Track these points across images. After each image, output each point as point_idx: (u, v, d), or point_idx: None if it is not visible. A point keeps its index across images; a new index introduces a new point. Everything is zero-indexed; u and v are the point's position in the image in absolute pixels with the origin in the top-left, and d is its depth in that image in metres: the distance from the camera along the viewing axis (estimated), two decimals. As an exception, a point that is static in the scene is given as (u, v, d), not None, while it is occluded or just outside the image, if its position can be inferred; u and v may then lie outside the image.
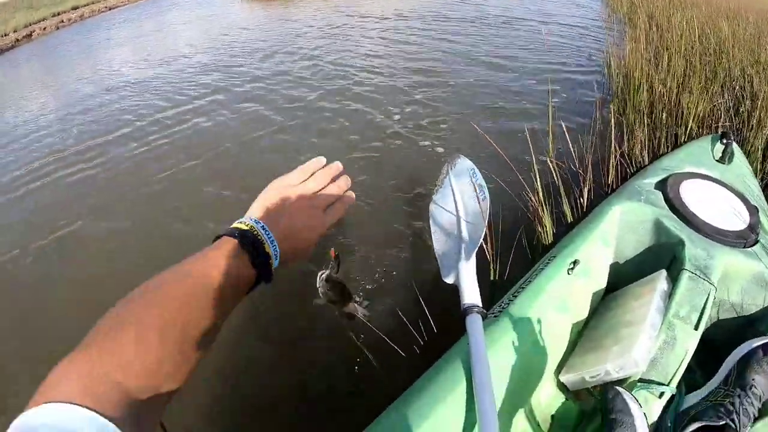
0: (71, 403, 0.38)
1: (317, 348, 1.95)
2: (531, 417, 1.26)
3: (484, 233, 1.39)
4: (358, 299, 1.22)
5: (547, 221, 2.22)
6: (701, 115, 3.17)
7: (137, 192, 3.57)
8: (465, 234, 1.43)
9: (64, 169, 4.26)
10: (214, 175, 3.56)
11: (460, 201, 1.55)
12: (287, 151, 3.77)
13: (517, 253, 2.14)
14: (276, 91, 5.25)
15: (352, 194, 0.72)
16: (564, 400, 1.34)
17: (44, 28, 14.73)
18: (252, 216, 0.61)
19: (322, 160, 0.72)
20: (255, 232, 0.58)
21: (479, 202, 1.49)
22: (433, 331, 1.80)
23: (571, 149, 2.62)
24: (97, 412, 0.39)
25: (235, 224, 0.59)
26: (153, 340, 0.46)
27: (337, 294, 1.06)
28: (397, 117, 4.10)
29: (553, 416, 1.30)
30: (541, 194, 2.20)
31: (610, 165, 2.66)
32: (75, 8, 16.99)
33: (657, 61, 4.17)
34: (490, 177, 2.52)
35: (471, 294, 1.24)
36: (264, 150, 3.89)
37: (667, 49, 4.41)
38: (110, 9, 16.94)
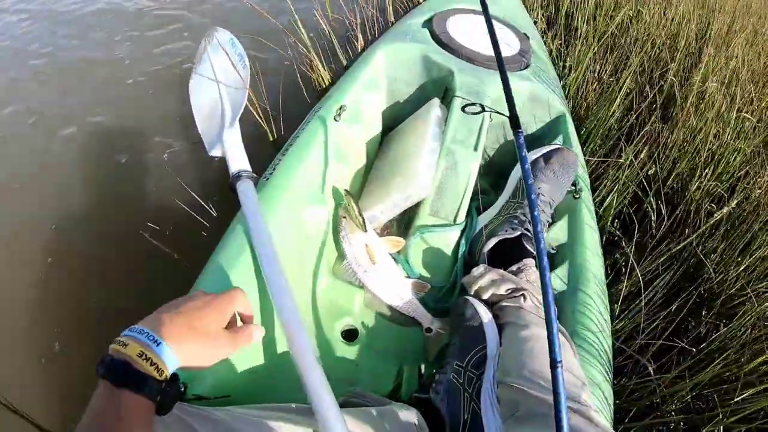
0: None
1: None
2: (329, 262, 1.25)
3: (246, 98, 1.31)
4: None
5: (323, 72, 2.16)
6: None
7: None
8: (227, 103, 1.33)
9: None
10: None
11: (220, 72, 1.44)
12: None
13: (294, 109, 2.04)
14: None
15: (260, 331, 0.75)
16: None
17: None
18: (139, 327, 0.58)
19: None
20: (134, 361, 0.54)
21: (239, 71, 1.40)
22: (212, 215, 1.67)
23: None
24: None
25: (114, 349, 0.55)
26: None
27: None
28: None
29: None
30: (310, 44, 2.12)
31: (388, 7, 2.62)
32: None
33: None
34: (254, 39, 2.37)
35: (238, 161, 1.16)
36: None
37: None
38: None
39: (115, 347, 0.54)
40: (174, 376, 0.58)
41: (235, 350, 0.68)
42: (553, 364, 0.64)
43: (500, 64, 1.00)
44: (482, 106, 1.12)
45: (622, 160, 1.67)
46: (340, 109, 1.33)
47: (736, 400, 1.15)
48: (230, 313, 0.70)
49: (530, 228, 1.17)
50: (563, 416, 0.61)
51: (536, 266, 1.13)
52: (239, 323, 0.75)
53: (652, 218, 1.64)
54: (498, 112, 1.06)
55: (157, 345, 0.56)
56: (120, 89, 2.22)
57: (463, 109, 1.17)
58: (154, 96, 2.20)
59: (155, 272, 1.52)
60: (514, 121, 0.93)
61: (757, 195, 1.67)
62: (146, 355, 0.54)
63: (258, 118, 1.85)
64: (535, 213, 0.74)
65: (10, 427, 1.17)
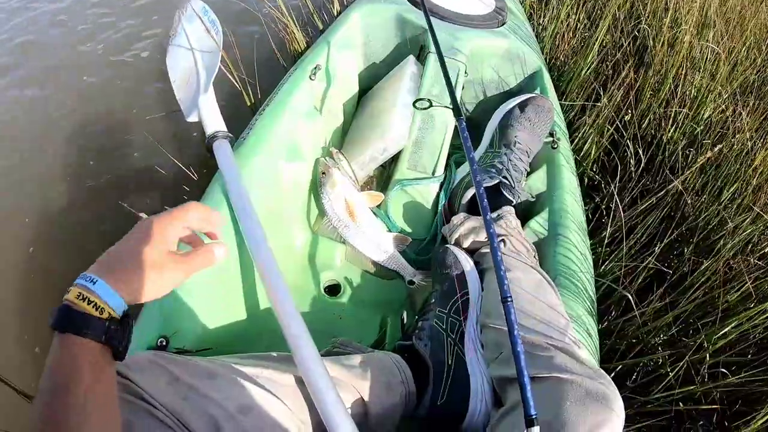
0: None
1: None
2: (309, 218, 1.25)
3: (218, 61, 1.28)
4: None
5: (299, 36, 2.10)
6: None
7: None
8: (201, 68, 1.30)
9: None
10: None
11: (194, 41, 1.41)
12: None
13: (270, 75, 1.98)
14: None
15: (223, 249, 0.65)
16: None
17: None
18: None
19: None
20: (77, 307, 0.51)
21: (213, 36, 1.37)
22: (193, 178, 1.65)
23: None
24: None
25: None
26: None
27: None
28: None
29: None
30: (285, 9, 2.05)
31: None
32: None
33: None
34: (228, 5, 2.32)
35: (213, 122, 1.14)
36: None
37: None
38: None
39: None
40: (125, 317, 0.55)
41: (190, 274, 0.60)
42: (504, 299, 0.72)
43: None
44: (430, 102, 1.14)
45: (599, 104, 1.65)
46: (315, 68, 1.31)
47: (720, 328, 1.15)
48: (172, 234, 0.60)
49: (508, 176, 1.16)
50: (517, 342, 0.67)
51: (515, 213, 1.12)
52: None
53: (631, 163, 1.63)
54: (444, 106, 1.11)
55: (94, 284, 0.52)
56: (95, 72, 2.18)
57: (414, 104, 1.18)
58: (133, 76, 2.15)
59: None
60: (456, 109, 1.00)
61: (732, 137, 1.66)
62: (83, 295, 0.51)
63: (235, 83, 1.81)
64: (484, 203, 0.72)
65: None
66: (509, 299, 0.71)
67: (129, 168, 1.74)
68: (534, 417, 0.61)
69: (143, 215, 1.39)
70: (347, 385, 0.77)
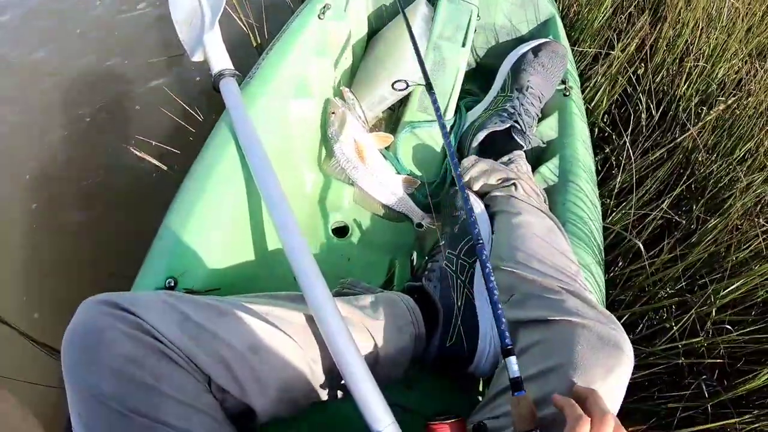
0: None
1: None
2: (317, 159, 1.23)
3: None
4: None
5: None
6: None
7: None
8: (206, 6, 1.26)
9: None
10: None
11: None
12: None
13: (277, 15, 1.94)
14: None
15: None
16: None
17: None
18: None
19: None
20: None
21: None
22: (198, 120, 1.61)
23: None
24: None
25: None
26: None
27: None
28: None
29: None
30: None
31: None
32: None
33: None
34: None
35: (220, 60, 1.11)
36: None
37: None
38: None
39: None
40: None
41: None
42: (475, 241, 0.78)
43: None
44: (407, 82, 1.10)
45: (612, 53, 1.61)
46: (324, 7, 1.26)
47: (728, 284, 1.13)
48: None
49: (519, 120, 1.13)
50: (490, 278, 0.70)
51: (526, 157, 1.10)
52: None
53: (642, 117, 1.60)
54: (417, 84, 1.09)
55: None
56: (90, 25, 2.12)
57: (392, 86, 1.14)
58: (132, 24, 2.10)
59: (146, 185, 1.48)
60: (429, 85, 1.02)
61: (746, 97, 1.63)
62: None
63: (241, 25, 1.77)
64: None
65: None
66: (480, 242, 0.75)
67: (132, 111, 1.71)
68: (510, 347, 0.61)
69: (146, 157, 1.38)
70: (358, 324, 0.76)
